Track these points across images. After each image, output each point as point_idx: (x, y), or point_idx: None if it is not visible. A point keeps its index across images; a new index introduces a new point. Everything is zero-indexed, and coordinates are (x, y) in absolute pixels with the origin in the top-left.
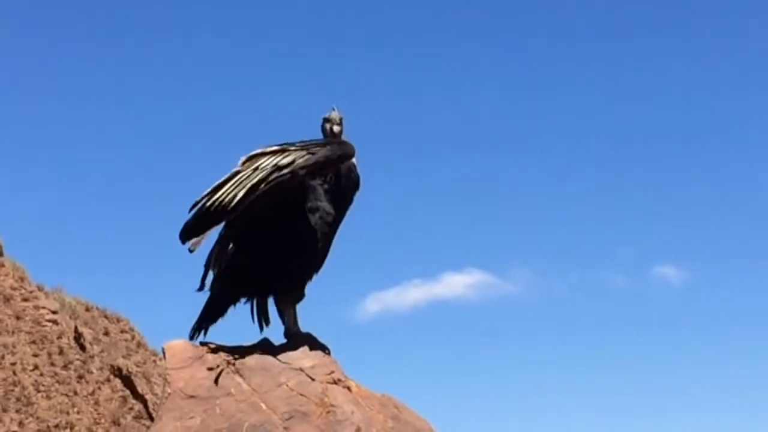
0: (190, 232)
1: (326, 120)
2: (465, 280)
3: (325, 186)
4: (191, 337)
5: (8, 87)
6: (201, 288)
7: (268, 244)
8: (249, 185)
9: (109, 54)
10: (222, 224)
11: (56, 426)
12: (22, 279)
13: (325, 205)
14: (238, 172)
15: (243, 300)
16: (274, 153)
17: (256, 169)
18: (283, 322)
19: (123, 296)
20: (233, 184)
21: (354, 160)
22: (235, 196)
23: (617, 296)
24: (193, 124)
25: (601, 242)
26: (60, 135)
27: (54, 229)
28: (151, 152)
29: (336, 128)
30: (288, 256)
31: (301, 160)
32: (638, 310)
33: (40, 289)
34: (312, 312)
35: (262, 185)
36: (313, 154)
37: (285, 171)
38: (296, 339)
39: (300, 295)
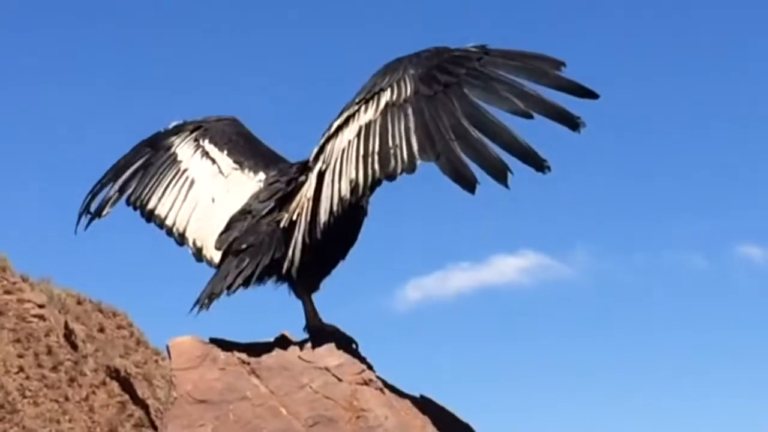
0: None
1: None
2: (518, 264)
3: None
4: (208, 305)
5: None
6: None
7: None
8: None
9: (94, 47)
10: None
11: None
12: (3, 269)
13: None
14: None
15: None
16: None
17: None
18: (307, 311)
19: (119, 287)
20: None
21: None
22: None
23: (695, 280)
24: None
25: (674, 219)
26: (43, 113)
27: (39, 213)
28: (142, 133)
29: None
30: (336, 244)
31: None
32: (719, 294)
33: (24, 279)
34: (344, 301)
35: None
36: None
37: None
38: (319, 333)
39: (317, 286)
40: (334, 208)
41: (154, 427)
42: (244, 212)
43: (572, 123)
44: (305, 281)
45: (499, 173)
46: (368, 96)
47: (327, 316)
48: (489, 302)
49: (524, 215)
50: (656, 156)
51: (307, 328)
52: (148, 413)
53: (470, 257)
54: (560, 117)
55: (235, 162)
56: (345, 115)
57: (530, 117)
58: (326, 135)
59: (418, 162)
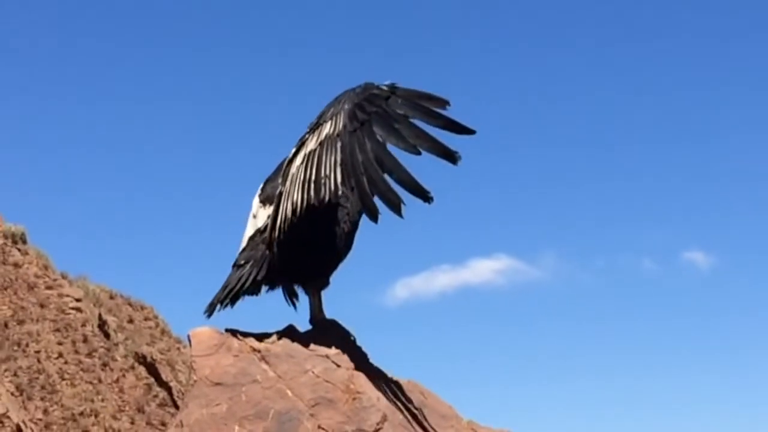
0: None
1: None
2: (493, 266)
3: None
4: (209, 314)
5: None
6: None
7: (299, 241)
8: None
9: (131, 54)
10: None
11: (81, 414)
12: (46, 267)
13: (352, 201)
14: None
15: (266, 287)
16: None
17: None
18: (312, 306)
19: (147, 284)
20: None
21: None
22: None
23: (646, 281)
24: (218, 118)
25: (629, 227)
26: (84, 125)
27: (78, 217)
28: (174, 142)
29: None
30: (316, 251)
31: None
32: (667, 295)
33: (64, 276)
34: (341, 298)
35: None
36: None
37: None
38: (321, 325)
39: (325, 283)
40: (282, 225)
41: (176, 407)
42: (257, 230)
43: (452, 158)
44: (310, 282)
45: (394, 206)
46: (315, 126)
47: (326, 311)
48: (468, 300)
49: (498, 222)
50: (612, 168)
51: (312, 320)
52: (171, 394)
53: (451, 260)
54: (442, 153)
55: (261, 201)
56: (299, 143)
57: (418, 153)
58: (288, 159)
59: (341, 192)
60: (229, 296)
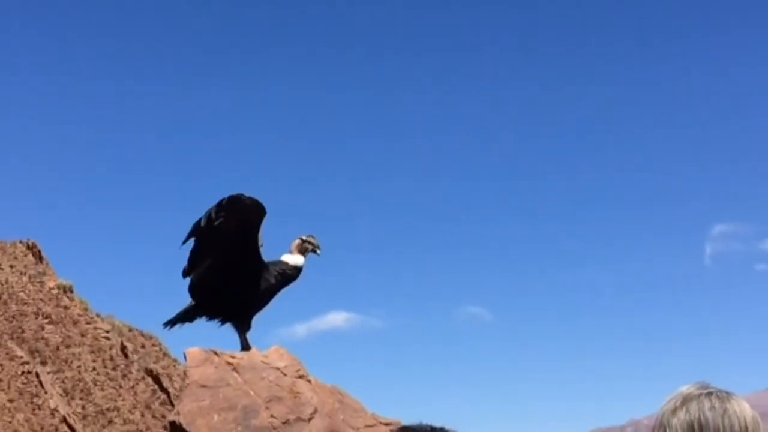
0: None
1: (311, 243)
2: (340, 317)
3: (277, 271)
4: (165, 327)
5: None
6: (184, 242)
7: (233, 299)
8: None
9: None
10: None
11: (107, 409)
12: (86, 309)
13: (270, 278)
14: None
15: (205, 318)
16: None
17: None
18: (241, 340)
19: (155, 319)
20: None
21: (303, 264)
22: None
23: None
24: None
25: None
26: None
27: (111, 274)
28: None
29: (317, 252)
30: (242, 305)
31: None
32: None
33: (98, 315)
34: (262, 332)
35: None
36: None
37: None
38: (246, 350)
39: (249, 326)
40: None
41: (172, 405)
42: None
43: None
44: (238, 324)
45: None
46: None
47: (254, 340)
48: (331, 339)
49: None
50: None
51: (242, 348)
52: (169, 396)
53: (316, 314)
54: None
55: None
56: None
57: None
58: None
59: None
60: (174, 321)
